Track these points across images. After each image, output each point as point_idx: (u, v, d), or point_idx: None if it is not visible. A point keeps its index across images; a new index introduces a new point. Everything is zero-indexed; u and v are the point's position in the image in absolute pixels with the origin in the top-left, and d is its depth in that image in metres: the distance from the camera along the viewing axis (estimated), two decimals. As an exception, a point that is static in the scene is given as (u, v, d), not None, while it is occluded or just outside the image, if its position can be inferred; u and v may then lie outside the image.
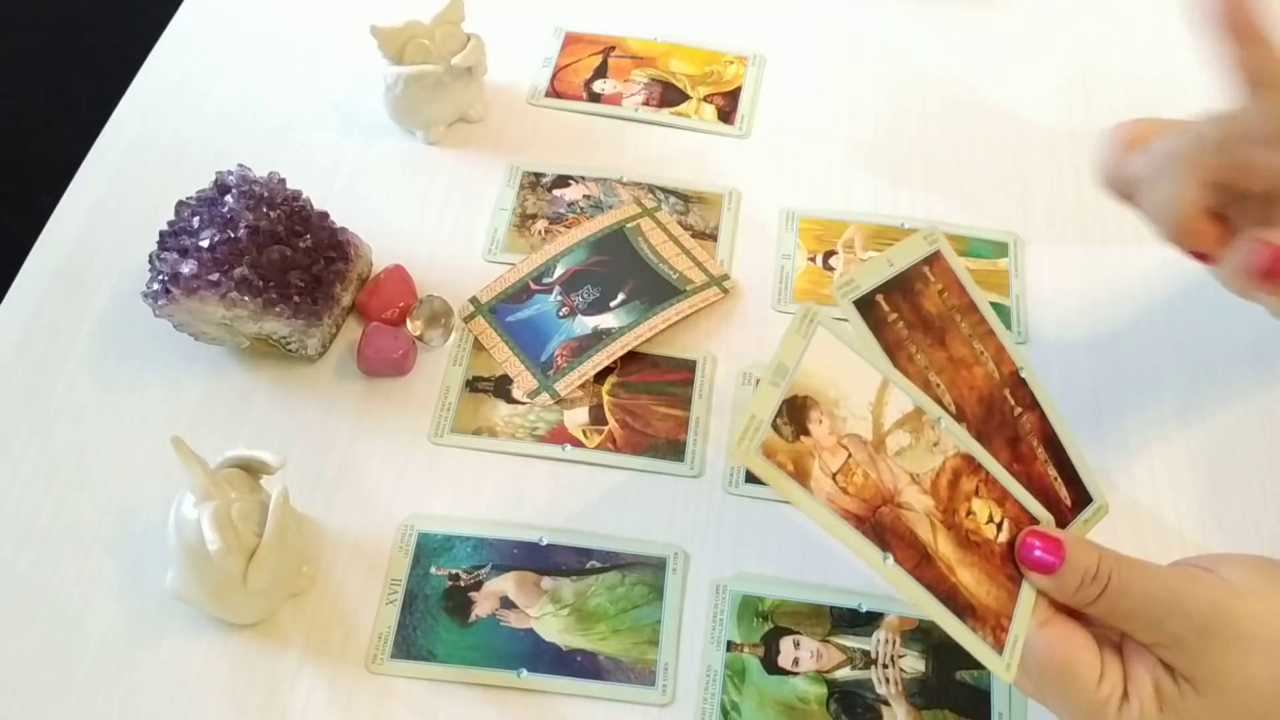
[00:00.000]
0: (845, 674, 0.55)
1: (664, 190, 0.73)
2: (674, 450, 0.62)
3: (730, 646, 0.56)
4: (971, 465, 0.47)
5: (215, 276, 0.60)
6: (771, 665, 0.56)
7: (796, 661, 0.56)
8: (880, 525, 0.43)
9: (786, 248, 0.70)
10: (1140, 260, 0.69)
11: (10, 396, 0.64)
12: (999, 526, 0.46)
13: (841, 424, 0.44)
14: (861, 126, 0.77)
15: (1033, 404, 0.50)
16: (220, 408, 0.63)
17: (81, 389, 0.64)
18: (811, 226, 0.71)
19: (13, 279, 0.68)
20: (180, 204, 0.64)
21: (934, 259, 0.50)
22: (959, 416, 0.48)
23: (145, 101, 0.77)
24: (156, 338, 0.64)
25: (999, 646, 0.44)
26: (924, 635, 0.56)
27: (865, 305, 0.47)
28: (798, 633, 0.56)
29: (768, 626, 0.57)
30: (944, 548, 0.44)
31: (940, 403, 0.47)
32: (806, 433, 0.43)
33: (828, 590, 0.58)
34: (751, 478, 0.61)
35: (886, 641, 0.56)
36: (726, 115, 0.77)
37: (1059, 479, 0.50)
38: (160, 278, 0.61)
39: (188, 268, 0.60)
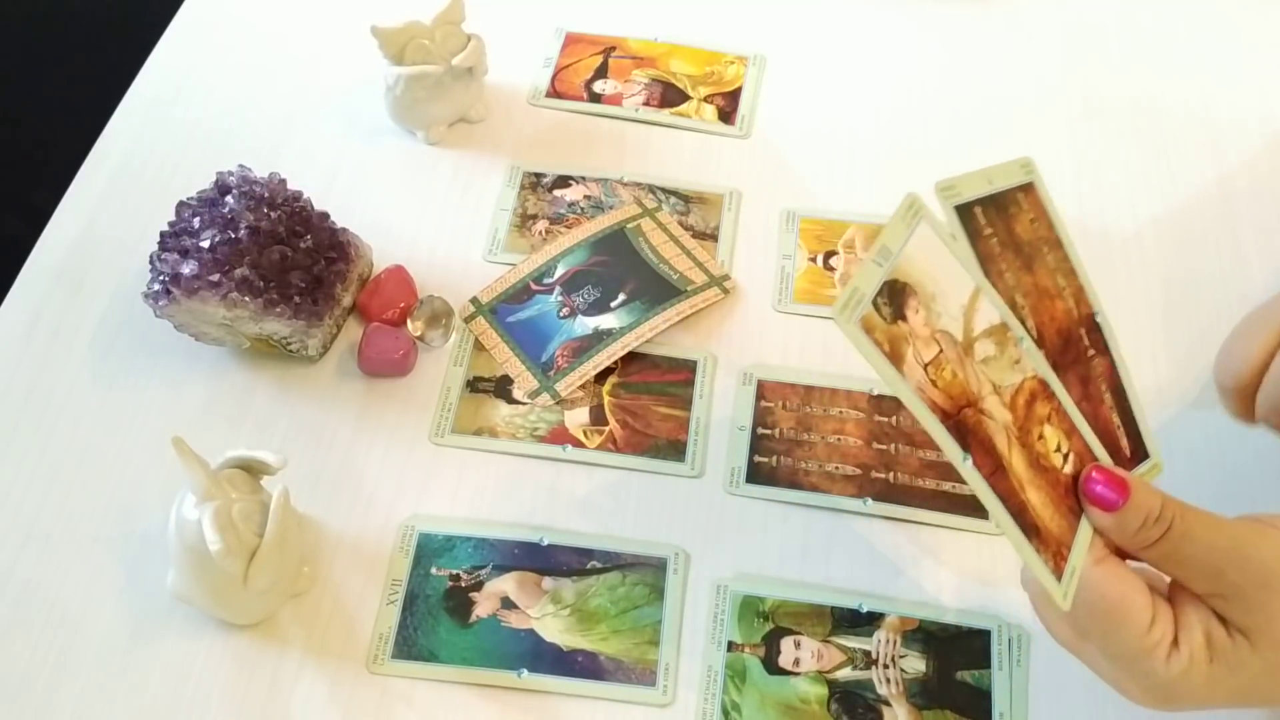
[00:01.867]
0: (846, 674, 0.55)
1: (664, 190, 0.73)
2: (675, 450, 0.62)
3: (731, 647, 0.56)
4: (1046, 392, 0.46)
5: (216, 277, 0.60)
6: (772, 665, 0.56)
7: (797, 662, 0.56)
8: (963, 425, 0.42)
9: (787, 248, 0.70)
10: (1140, 260, 0.70)
11: (11, 397, 0.64)
12: (1065, 458, 0.46)
13: (936, 318, 0.43)
14: (862, 127, 0.77)
15: (1104, 349, 0.50)
16: (221, 408, 0.63)
17: (82, 390, 0.64)
18: (812, 227, 0.71)
19: (14, 279, 0.68)
20: (181, 204, 0.64)
21: (1028, 188, 0.50)
22: (1039, 342, 0.47)
23: (146, 102, 0.77)
24: (157, 338, 0.64)
25: (1058, 573, 0.43)
26: (925, 635, 0.56)
27: (965, 214, 0.47)
28: (798, 633, 0.56)
29: (768, 627, 0.57)
30: (1018, 464, 0.44)
31: (1024, 325, 0.47)
32: (904, 318, 0.42)
33: (828, 590, 0.58)
34: (752, 478, 0.61)
35: (887, 642, 0.56)
36: (727, 115, 0.77)
37: (1121, 428, 0.50)
38: (161, 278, 0.61)
39: (188, 268, 0.60)
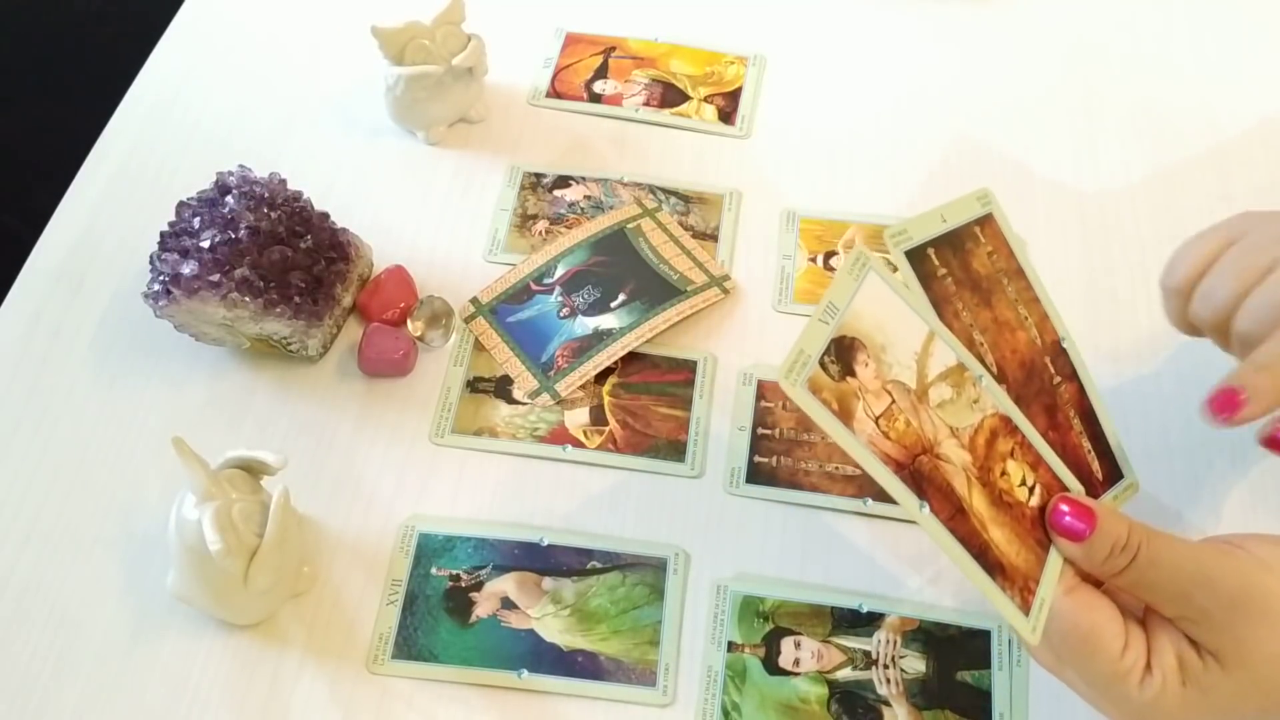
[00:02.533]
0: (846, 674, 0.55)
1: (665, 191, 0.73)
2: (675, 451, 0.62)
3: (731, 647, 0.56)
4: (1009, 427, 0.46)
5: (216, 277, 0.60)
6: (772, 666, 0.56)
7: (797, 662, 0.56)
8: (919, 474, 0.43)
9: (787, 248, 0.70)
10: (1140, 260, 0.70)
11: (11, 397, 0.64)
12: (1031, 490, 0.46)
13: (887, 369, 0.44)
14: (862, 127, 0.77)
15: (1072, 375, 0.50)
16: (221, 408, 0.63)
17: (82, 390, 0.64)
18: (812, 227, 0.71)
19: (14, 280, 0.68)
20: (181, 204, 0.64)
21: (986, 221, 0.50)
22: (1000, 378, 0.47)
23: (147, 102, 0.77)
24: (157, 338, 0.64)
25: (1026, 608, 0.43)
26: (925, 636, 0.56)
27: (916, 257, 0.47)
28: (798, 633, 0.56)
29: (768, 627, 0.57)
30: (978, 504, 0.44)
31: (983, 362, 0.47)
32: (853, 374, 0.43)
33: (829, 591, 0.58)
34: (753, 478, 0.61)
35: (887, 642, 0.56)
36: (727, 116, 0.77)
37: (1092, 452, 0.50)
38: (161, 278, 0.61)
39: (188, 268, 0.60)
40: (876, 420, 0.43)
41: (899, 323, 0.44)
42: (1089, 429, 0.50)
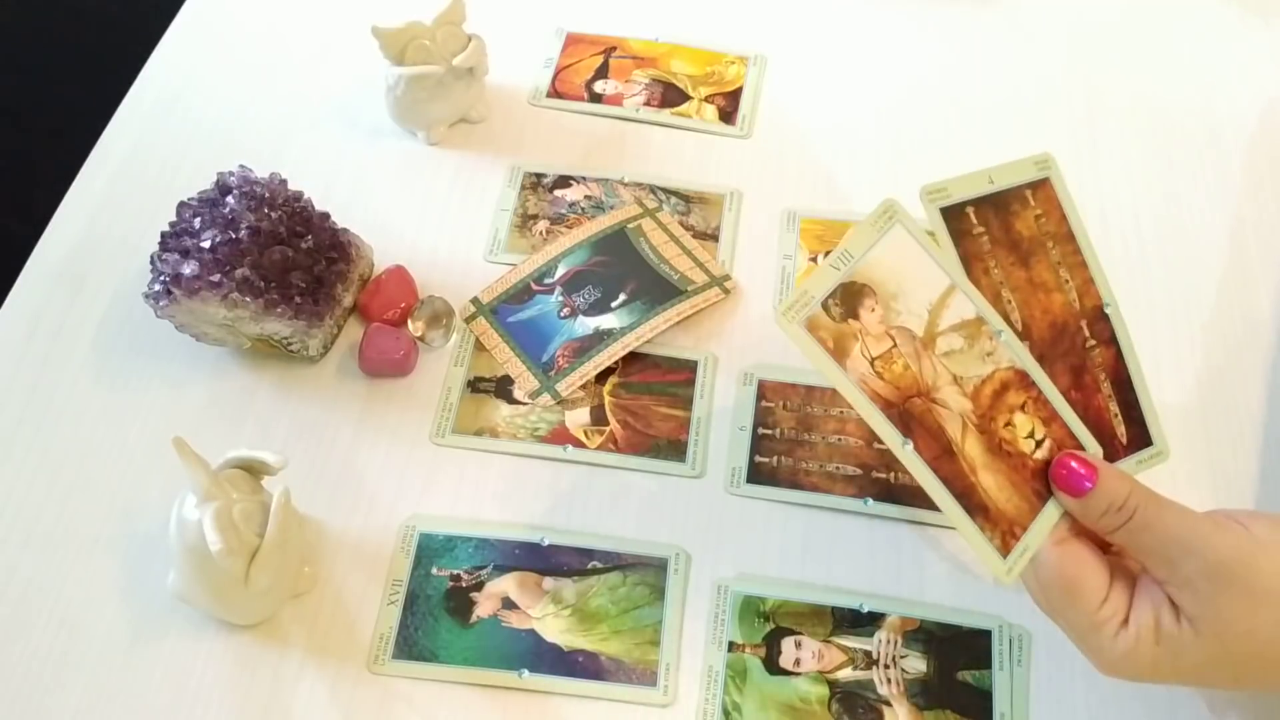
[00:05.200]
0: (847, 674, 0.55)
1: (665, 190, 0.73)
2: (675, 451, 0.62)
3: (732, 647, 0.56)
4: (1024, 382, 0.48)
5: (217, 277, 0.60)
6: (773, 666, 0.56)
7: (798, 662, 0.56)
8: (908, 414, 0.45)
9: (788, 248, 0.70)
10: (1140, 259, 0.70)
11: (12, 398, 0.64)
12: (1039, 444, 0.48)
13: (894, 316, 0.46)
14: (862, 127, 0.77)
15: (1110, 340, 0.52)
16: (222, 408, 0.63)
17: (83, 390, 0.64)
18: (813, 227, 0.71)
19: (14, 280, 0.68)
20: (181, 205, 0.64)
21: (1040, 185, 0.52)
22: (1024, 335, 0.49)
23: (147, 102, 0.77)
24: (158, 339, 0.65)
25: (1005, 550, 0.46)
26: (926, 636, 0.56)
27: (952, 214, 0.49)
28: (799, 633, 0.56)
29: (769, 627, 0.57)
30: (971, 448, 0.46)
31: (1007, 319, 0.49)
32: (856, 317, 0.45)
33: (829, 591, 0.58)
34: (753, 478, 0.61)
35: (888, 642, 0.56)
36: (728, 116, 0.77)
37: (1119, 416, 0.51)
38: (162, 278, 0.61)
39: (189, 268, 0.60)
40: (872, 361, 0.45)
41: (917, 273, 0.47)
42: (1120, 395, 0.51)
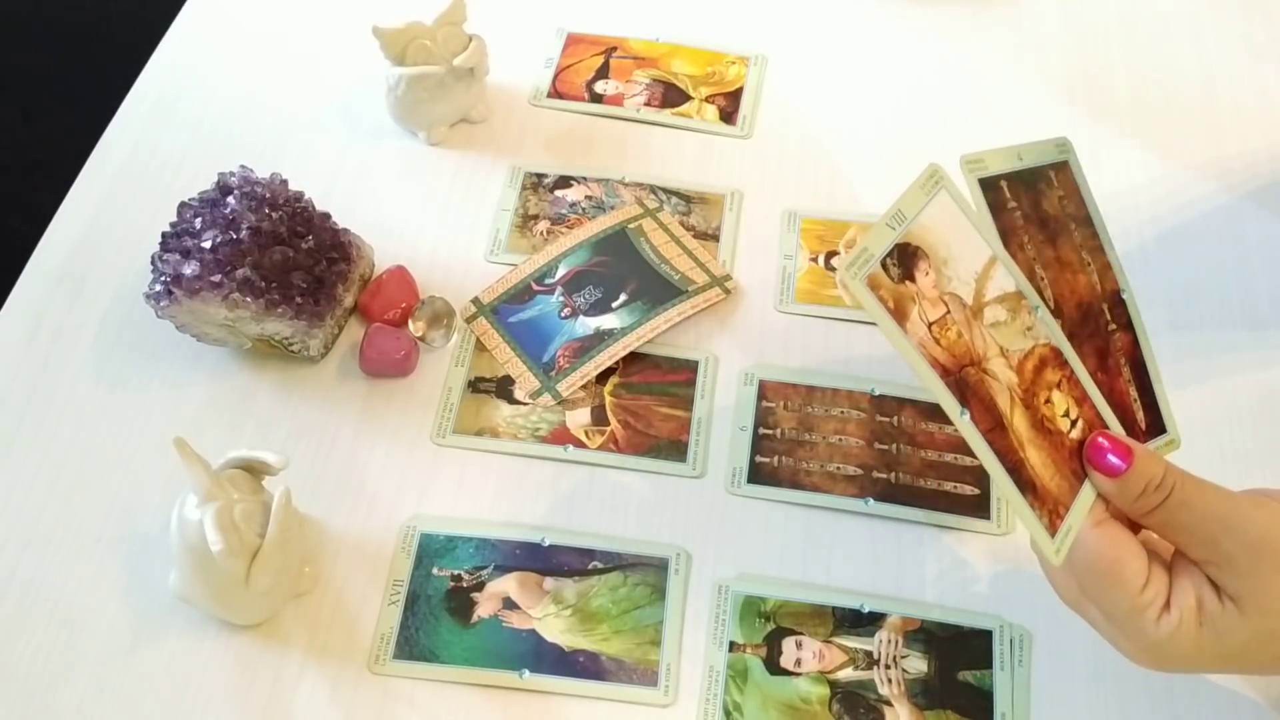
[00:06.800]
0: (848, 674, 0.55)
1: (666, 191, 0.73)
2: (676, 451, 0.62)
3: (732, 647, 0.56)
4: (1058, 359, 0.48)
5: (217, 277, 0.60)
6: (774, 666, 0.56)
7: (799, 662, 0.56)
8: (964, 383, 0.44)
9: (788, 248, 0.70)
10: (1141, 258, 0.69)
11: (13, 398, 0.64)
12: (1073, 423, 0.47)
13: (946, 281, 0.45)
14: (863, 127, 0.77)
15: (1127, 325, 0.52)
16: (223, 409, 0.63)
17: (84, 390, 0.64)
18: (813, 227, 0.71)
19: (15, 280, 0.68)
20: (182, 205, 0.64)
21: (1061, 167, 0.51)
22: (1056, 313, 0.49)
23: (148, 103, 0.77)
24: (159, 339, 0.65)
25: (1052, 530, 0.45)
26: (927, 636, 0.56)
27: (989, 186, 0.49)
28: (800, 633, 0.56)
29: (770, 627, 0.57)
30: (1019, 423, 0.45)
31: (1041, 295, 0.48)
32: (912, 279, 0.44)
33: (830, 591, 0.58)
34: (754, 478, 0.61)
35: (889, 642, 0.56)
36: (728, 116, 0.77)
37: (1139, 402, 0.51)
38: (162, 279, 0.61)
39: (190, 269, 0.60)
40: (930, 326, 0.44)
41: (963, 242, 0.46)
42: (1138, 380, 0.51)
